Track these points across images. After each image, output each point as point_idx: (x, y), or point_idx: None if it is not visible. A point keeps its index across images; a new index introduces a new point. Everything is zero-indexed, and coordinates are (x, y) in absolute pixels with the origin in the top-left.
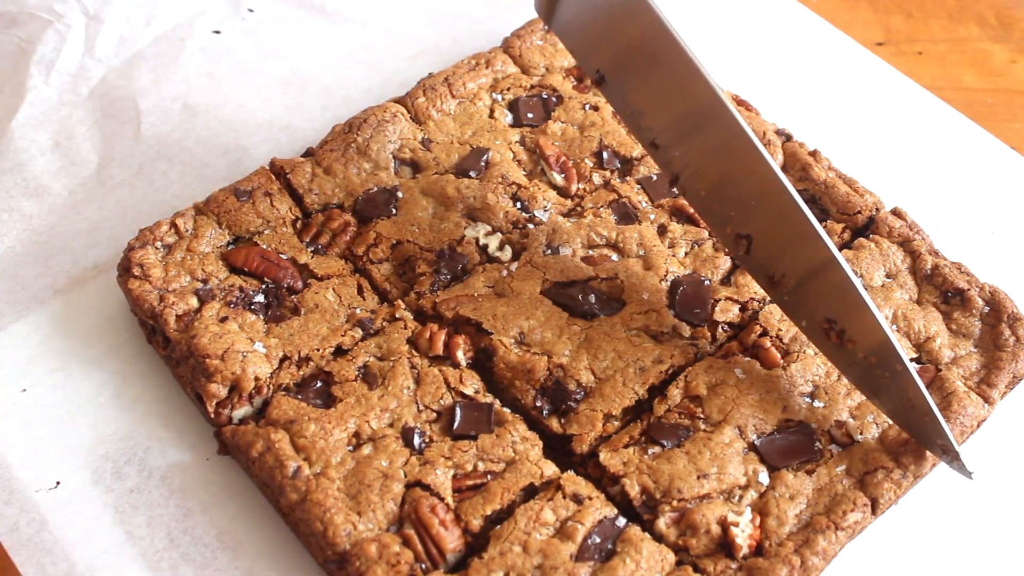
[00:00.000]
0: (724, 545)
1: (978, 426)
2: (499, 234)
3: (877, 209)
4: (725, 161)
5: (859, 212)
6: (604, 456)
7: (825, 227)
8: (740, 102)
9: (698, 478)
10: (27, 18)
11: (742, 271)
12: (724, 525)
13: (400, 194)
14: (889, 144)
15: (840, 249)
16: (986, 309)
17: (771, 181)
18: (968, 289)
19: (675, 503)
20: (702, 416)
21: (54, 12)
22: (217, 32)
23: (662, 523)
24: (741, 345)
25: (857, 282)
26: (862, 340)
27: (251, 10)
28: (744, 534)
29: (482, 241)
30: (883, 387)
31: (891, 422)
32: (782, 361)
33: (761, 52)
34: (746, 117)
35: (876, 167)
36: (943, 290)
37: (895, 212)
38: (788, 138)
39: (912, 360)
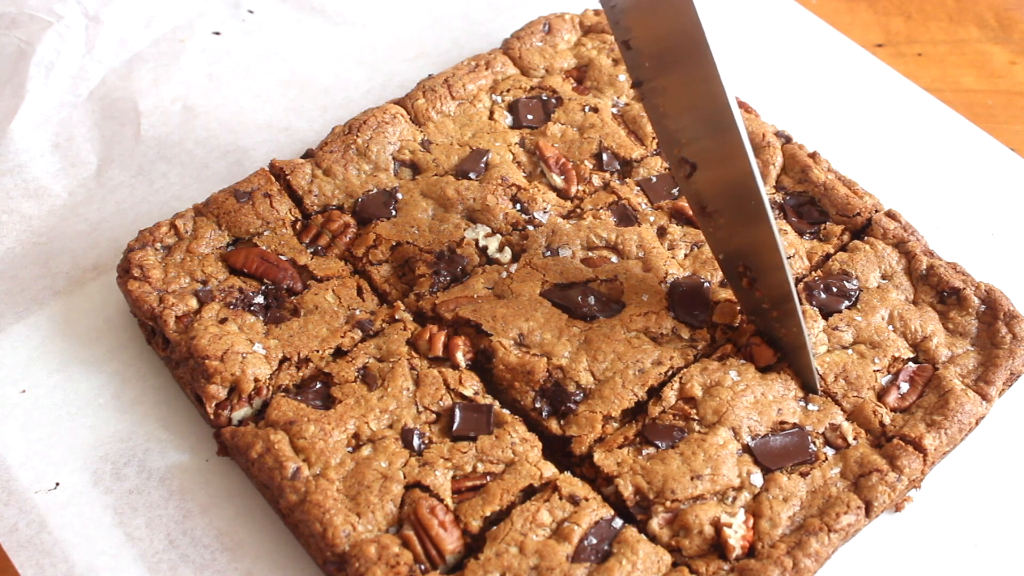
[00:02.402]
0: (717, 546)
1: (976, 423)
2: (499, 236)
3: (876, 211)
4: (691, 90)
5: (858, 214)
6: (598, 456)
7: (824, 229)
8: (740, 104)
9: (692, 479)
10: (27, 19)
11: None
12: (717, 526)
13: (400, 195)
14: (889, 146)
15: (836, 251)
16: (982, 308)
17: (731, 130)
18: (964, 288)
19: (668, 504)
20: (696, 417)
21: (54, 13)
22: (217, 33)
23: (655, 523)
24: (735, 346)
25: (780, 244)
26: (769, 293)
27: (251, 11)
28: (737, 535)
29: (482, 243)
30: (777, 335)
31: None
32: (775, 358)
33: (761, 54)
34: (746, 119)
35: (876, 169)
36: (939, 290)
37: (889, 214)
38: (788, 140)
39: (909, 360)
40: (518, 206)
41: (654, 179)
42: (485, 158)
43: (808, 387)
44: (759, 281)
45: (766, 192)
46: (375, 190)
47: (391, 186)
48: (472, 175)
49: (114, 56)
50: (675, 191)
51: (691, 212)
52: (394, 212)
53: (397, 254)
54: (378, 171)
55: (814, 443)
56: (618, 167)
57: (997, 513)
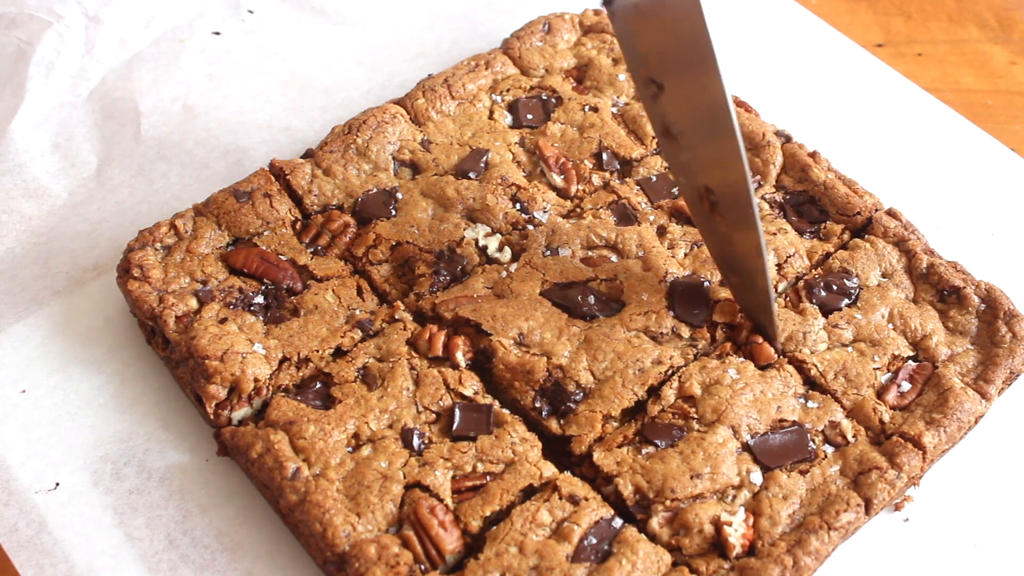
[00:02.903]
0: (717, 545)
1: (976, 422)
2: (499, 235)
3: (876, 210)
4: (668, 9)
5: (858, 213)
6: (598, 456)
7: (824, 228)
8: (740, 103)
9: (691, 478)
10: (27, 19)
11: None
12: (717, 525)
13: (400, 195)
14: (889, 145)
15: (837, 250)
16: (982, 306)
17: (707, 58)
18: (964, 287)
19: (668, 503)
20: (696, 416)
21: (54, 13)
22: (217, 33)
23: (655, 523)
24: (734, 344)
25: (747, 169)
26: (730, 217)
27: (251, 11)
28: (737, 534)
29: (481, 242)
30: (736, 266)
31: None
32: (775, 355)
33: (761, 53)
34: (746, 118)
35: (876, 168)
36: (939, 288)
37: (890, 212)
38: (788, 139)
39: (909, 358)
40: (518, 206)
41: (654, 178)
42: (485, 158)
43: (768, 336)
44: (719, 205)
45: (734, 109)
46: (375, 190)
47: (391, 186)
48: (472, 175)
49: (114, 56)
50: (675, 190)
51: (655, 134)
52: (394, 212)
53: (397, 254)
54: (378, 171)
55: (813, 441)
56: (618, 166)
57: (996, 512)
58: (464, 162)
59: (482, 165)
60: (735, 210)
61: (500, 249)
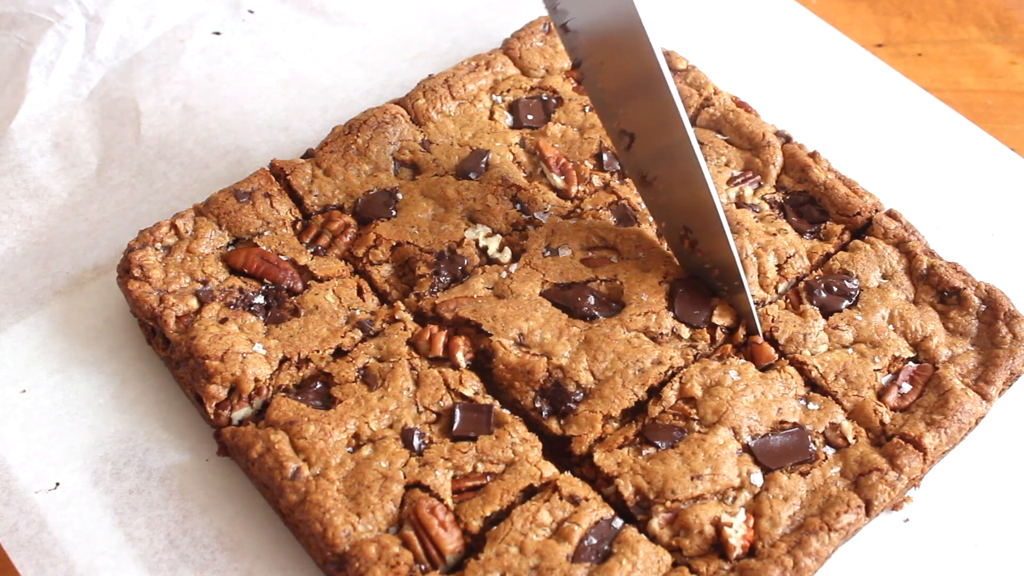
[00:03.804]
0: (717, 546)
1: (976, 423)
2: (499, 236)
3: (876, 210)
4: (625, 62)
5: (858, 213)
6: (598, 456)
7: (824, 228)
8: (739, 103)
9: (692, 479)
10: (27, 19)
11: None
12: (717, 526)
13: (400, 196)
14: (889, 146)
15: (837, 251)
16: (982, 307)
17: (666, 99)
18: (964, 288)
19: (668, 504)
20: (696, 417)
21: (54, 13)
22: (217, 33)
23: (655, 524)
24: (734, 345)
25: (718, 204)
26: (710, 255)
27: (251, 11)
28: (737, 535)
29: (482, 243)
30: (720, 294)
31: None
32: (775, 356)
33: (761, 53)
34: (746, 118)
35: (876, 168)
36: (939, 289)
37: (890, 214)
38: (787, 139)
39: (909, 359)
40: (518, 206)
41: None
42: (485, 158)
43: (751, 330)
44: (700, 242)
45: (699, 149)
46: (375, 190)
47: (391, 186)
48: (472, 175)
49: (114, 56)
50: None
51: (633, 184)
52: (394, 212)
53: (397, 254)
54: (378, 171)
55: (814, 442)
56: (618, 167)
57: (997, 513)
58: (464, 162)
59: (483, 165)
60: (711, 242)
61: (500, 250)
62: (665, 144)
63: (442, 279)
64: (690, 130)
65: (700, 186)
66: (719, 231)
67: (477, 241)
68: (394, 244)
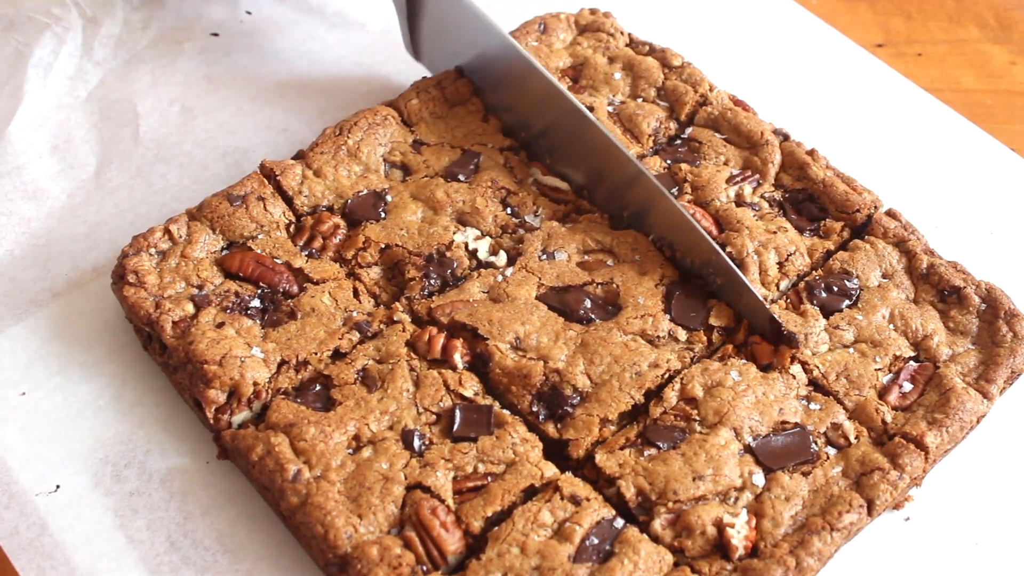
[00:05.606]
0: (719, 546)
1: (978, 422)
2: (489, 238)
3: (876, 207)
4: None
5: (858, 210)
6: (600, 458)
7: (823, 226)
8: (737, 102)
9: (694, 480)
10: (25, 21)
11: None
12: (720, 526)
13: (389, 197)
14: (889, 145)
15: (837, 248)
16: (983, 306)
17: (600, 137)
18: (964, 287)
19: (671, 504)
20: (698, 418)
21: (52, 15)
22: (215, 35)
23: (658, 524)
24: (735, 346)
25: (682, 210)
26: (692, 254)
27: (249, 12)
28: (740, 535)
29: (471, 245)
30: (719, 288)
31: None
32: (775, 354)
33: (760, 53)
34: (744, 117)
35: (876, 168)
36: (939, 288)
37: (890, 213)
38: (786, 137)
39: (910, 358)
40: (508, 209)
41: None
42: (476, 160)
43: (761, 327)
44: (676, 248)
45: (653, 174)
46: (365, 191)
47: (381, 188)
48: (462, 177)
49: (112, 57)
50: (674, 191)
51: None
52: (383, 214)
53: (386, 257)
54: (368, 172)
55: (815, 442)
56: None
57: (998, 511)
58: (455, 164)
59: (472, 168)
60: (694, 251)
61: (494, 253)
62: (619, 180)
63: (432, 282)
64: (636, 161)
65: (663, 204)
66: (693, 232)
67: (466, 244)
68: (383, 246)
